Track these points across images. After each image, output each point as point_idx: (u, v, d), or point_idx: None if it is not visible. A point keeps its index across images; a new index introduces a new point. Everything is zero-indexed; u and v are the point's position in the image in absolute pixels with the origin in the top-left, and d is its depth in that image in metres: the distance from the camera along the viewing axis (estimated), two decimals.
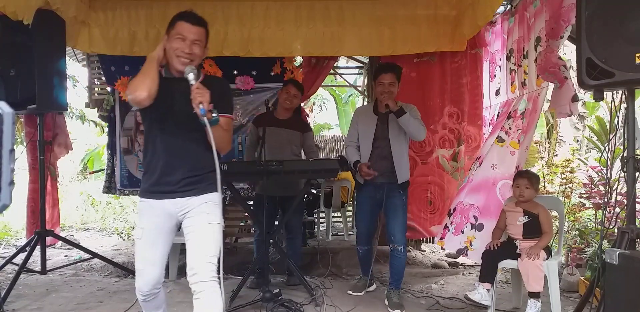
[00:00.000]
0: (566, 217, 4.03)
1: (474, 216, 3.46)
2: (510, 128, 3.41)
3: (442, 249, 4.97)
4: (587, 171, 4.63)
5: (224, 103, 2.19)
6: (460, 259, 4.60)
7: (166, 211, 2.18)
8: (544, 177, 4.73)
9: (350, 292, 3.58)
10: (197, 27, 2.17)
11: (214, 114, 2.01)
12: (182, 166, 2.18)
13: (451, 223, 3.59)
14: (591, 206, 4.13)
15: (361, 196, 3.50)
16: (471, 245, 3.44)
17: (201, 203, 2.18)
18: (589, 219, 4.22)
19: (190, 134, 2.18)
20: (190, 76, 2.06)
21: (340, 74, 6.62)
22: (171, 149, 2.18)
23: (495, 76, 4.23)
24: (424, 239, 5.02)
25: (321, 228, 6.05)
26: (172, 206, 2.18)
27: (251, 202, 4.91)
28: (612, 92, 2.37)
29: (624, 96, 2.27)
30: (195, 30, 2.15)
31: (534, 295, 2.79)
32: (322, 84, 5.39)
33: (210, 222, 2.16)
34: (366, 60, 5.84)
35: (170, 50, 2.15)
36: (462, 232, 3.49)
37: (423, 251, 4.98)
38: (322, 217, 5.99)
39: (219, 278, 2.10)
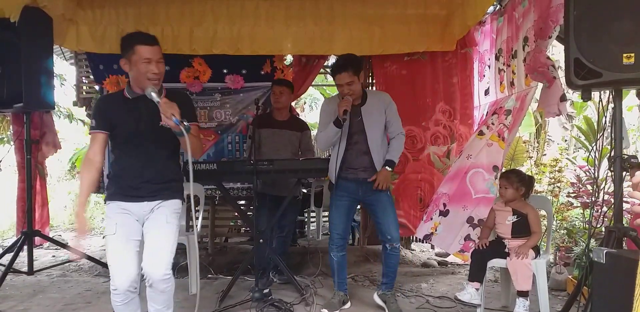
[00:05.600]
0: (554, 216, 4.06)
1: (444, 203, 3.51)
2: (492, 123, 3.44)
3: (432, 248, 4.99)
4: (575, 170, 4.67)
5: (188, 112, 2.37)
6: (450, 258, 4.62)
7: (135, 213, 2.37)
8: (532, 176, 4.76)
9: (326, 310, 3.16)
10: (156, 47, 2.31)
11: (185, 123, 2.17)
12: (150, 175, 2.38)
13: (426, 212, 3.66)
14: (579, 205, 4.16)
15: (338, 193, 3.16)
16: (436, 231, 3.46)
17: (165, 206, 2.40)
18: (576, 218, 4.26)
19: (157, 147, 2.41)
20: (153, 95, 2.22)
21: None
22: (141, 160, 2.39)
23: (484, 76, 4.25)
24: (414, 238, 5.04)
25: (311, 227, 6.05)
26: (141, 208, 2.38)
27: (242, 202, 4.93)
28: (600, 92, 2.39)
29: (611, 96, 2.28)
30: (156, 51, 2.30)
31: (523, 294, 2.81)
32: (313, 83, 5.38)
33: (168, 222, 2.37)
34: None
35: (138, 74, 2.29)
36: (431, 219, 3.53)
37: (413, 250, 5.00)
38: (313, 217, 5.98)
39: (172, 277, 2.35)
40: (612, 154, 2.25)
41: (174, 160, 2.53)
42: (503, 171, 3.31)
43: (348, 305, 3.32)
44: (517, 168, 4.68)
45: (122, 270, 2.24)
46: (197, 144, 2.40)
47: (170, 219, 2.39)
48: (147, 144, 2.39)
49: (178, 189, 2.50)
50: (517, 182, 3.03)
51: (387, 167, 3.05)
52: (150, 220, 2.39)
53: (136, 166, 2.39)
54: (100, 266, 4.13)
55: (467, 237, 3.30)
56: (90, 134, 2.45)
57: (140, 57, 2.26)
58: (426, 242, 4.39)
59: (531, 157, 5.80)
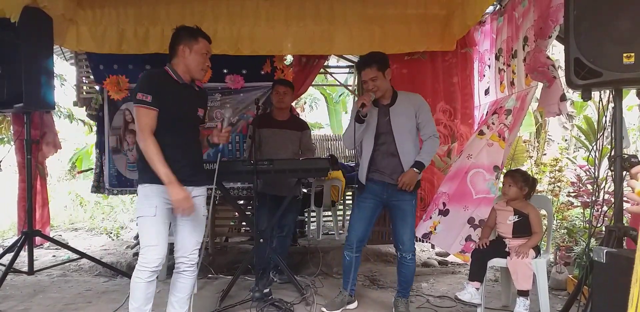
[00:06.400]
0: (555, 215, 4.06)
1: (443, 203, 3.51)
2: (493, 123, 3.44)
3: (432, 247, 4.99)
4: (575, 169, 4.67)
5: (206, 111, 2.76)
6: (450, 258, 4.62)
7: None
8: (533, 176, 4.76)
9: (324, 309, 3.14)
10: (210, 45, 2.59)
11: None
12: (188, 159, 2.53)
13: (425, 211, 3.67)
14: (579, 204, 4.16)
15: (363, 195, 3.13)
16: (435, 230, 3.46)
17: (199, 195, 2.57)
18: (577, 217, 4.26)
19: (193, 133, 2.60)
20: (226, 120, 2.70)
21: (330, 73, 6.62)
22: (180, 145, 2.49)
23: (484, 76, 4.25)
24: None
25: (312, 227, 6.05)
26: None
27: (241, 202, 4.93)
28: (600, 92, 2.40)
29: (611, 96, 2.29)
30: (210, 47, 2.59)
31: (523, 293, 2.81)
32: (313, 83, 5.38)
33: (204, 214, 2.63)
34: (356, 60, 5.84)
35: (195, 63, 2.50)
36: (431, 218, 3.54)
37: None
38: (313, 216, 5.99)
39: (198, 262, 2.61)
40: (613, 153, 2.25)
41: (200, 146, 2.70)
42: (505, 170, 3.31)
43: (354, 305, 3.29)
44: (518, 168, 4.68)
45: (156, 248, 2.38)
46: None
47: (205, 212, 2.63)
48: (185, 130, 2.54)
49: (205, 173, 2.74)
50: (521, 182, 3.03)
51: (414, 168, 2.95)
52: None
53: (176, 151, 2.46)
54: (101, 265, 4.13)
55: (468, 238, 3.30)
56: (141, 108, 2.36)
57: (201, 48, 2.50)
58: (425, 241, 4.39)
59: (531, 157, 5.80)
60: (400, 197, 3.04)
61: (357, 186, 3.16)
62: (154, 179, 2.39)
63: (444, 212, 3.47)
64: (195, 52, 2.49)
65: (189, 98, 2.55)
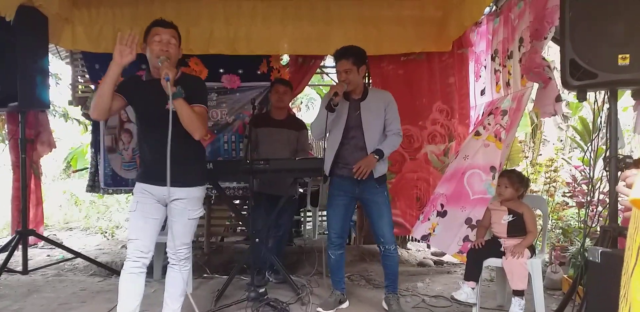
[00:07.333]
0: (550, 215, 4.08)
1: (441, 204, 3.51)
2: (489, 123, 3.45)
3: (428, 247, 5.00)
4: (571, 170, 4.69)
5: (198, 95, 2.52)
6: (446, 258, 4.63)
7: (156, 195, 2.50)
8: (528, 176, 4.78)
9: (320, 309, 3.15)
10: (169, 29, 2.49)
11: (177, 87, 2.29)
12: (162, 158, 2.33)
13: (422, 212, 3.67)
14: (574, 204, 4.18)
15: (334, 193, 3.18)
16: (434, 231, 3.46)
17: (183, 197, 2.51)
18: (572, 217, 4.28)
19: (165, 130, 2.33)
20: (161, 59, 2.36)
21: (327, 73, 6.61)
22: (155, 143, 2.45)
23: (480, 76, 4.25)
24: (410, 237, 5.05)
25: (308, 227, 6.05)
26: (161, 192, 2.46)
27: (237, 201, 4.93)
28: (595, 93, 2.41)
29: (606, 97, 2.30)
30: (168, 32, 2.48)
31: (518, 293, 2.82)
32: (309, 83, 5.37)
33: (190, 218, 2.57)
34: None
35: (151, 54, 2.45)
36: (429, 220, 3.54)
37: (409, 249, 5.01)
38: (309, 216, 5.99)
39: (190, 257, 2.66)
40: (608, 154, 2.26)
41: (187, 144, 2.50)
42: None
43: (346, 305, 3.29)
44: (513, 168, 4.70)
45: (134, 241, 2.46)
46: (193, 118, 2.39)
47: (192, 215, 2.57)
48: (157, 126, 2.40)
49: (196, 173, 2.60)
50: (517, 183, 3.06)
51: (374, 154, 2.98)
52: (172, 212, 2.54)
53: (149, 149, 2.51)
54: (95, 265, 4.12)
55: (466, 238, 3.29)
56: None
57: (152, 36, 2.44)
58: (421, 242, 4.40)
59: (527, 157, 5.82)
60: (371, 190, 3.09)
61: (321, 177, 3.23)
62: (138, 177, 2.58)
63: (442, 214, 3.48)
64: (149, 44, 2.46)
65: (156, 93, 2.36)
